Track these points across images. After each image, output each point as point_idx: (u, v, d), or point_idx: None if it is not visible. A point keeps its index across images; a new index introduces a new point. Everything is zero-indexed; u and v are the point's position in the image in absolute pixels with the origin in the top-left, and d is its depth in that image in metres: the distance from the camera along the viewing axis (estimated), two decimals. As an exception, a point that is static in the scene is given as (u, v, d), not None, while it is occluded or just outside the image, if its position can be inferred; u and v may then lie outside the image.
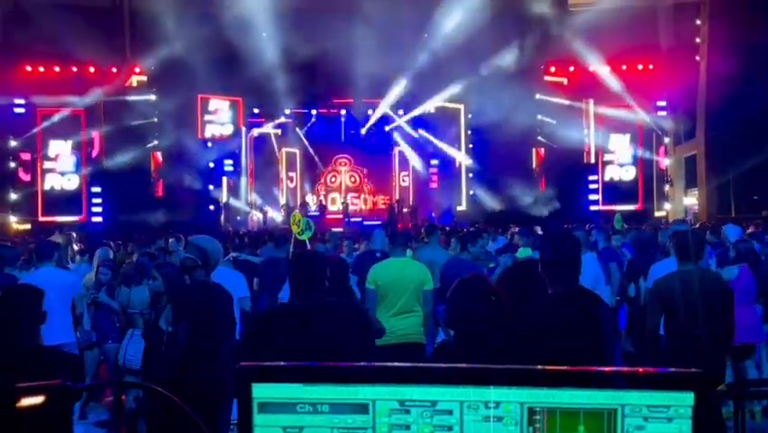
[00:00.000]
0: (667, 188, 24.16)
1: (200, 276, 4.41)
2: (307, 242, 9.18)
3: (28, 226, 20.98)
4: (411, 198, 24.50)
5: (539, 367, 1.16)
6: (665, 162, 24.12)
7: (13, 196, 21.69)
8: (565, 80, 23.20)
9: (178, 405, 1.37)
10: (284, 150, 24.72)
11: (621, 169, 23.65)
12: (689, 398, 1.12)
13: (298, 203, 23.25)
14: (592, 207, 22.34)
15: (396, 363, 1.19)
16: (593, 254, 7.40)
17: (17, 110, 21.27)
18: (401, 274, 5.82)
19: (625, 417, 1.14)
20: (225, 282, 6.46)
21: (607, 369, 1.15)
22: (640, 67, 22.93)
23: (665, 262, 6.28)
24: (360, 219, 22.55)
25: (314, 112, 24.10)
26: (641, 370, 1.13)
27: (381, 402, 1.20)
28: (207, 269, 4.43)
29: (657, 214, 23.36)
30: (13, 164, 21.72)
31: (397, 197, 24.44)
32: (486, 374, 1.18)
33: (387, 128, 24.59)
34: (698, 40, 22.94)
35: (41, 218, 21.44)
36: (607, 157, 23.61)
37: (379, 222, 20.25)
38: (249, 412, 1.22)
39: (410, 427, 1.19)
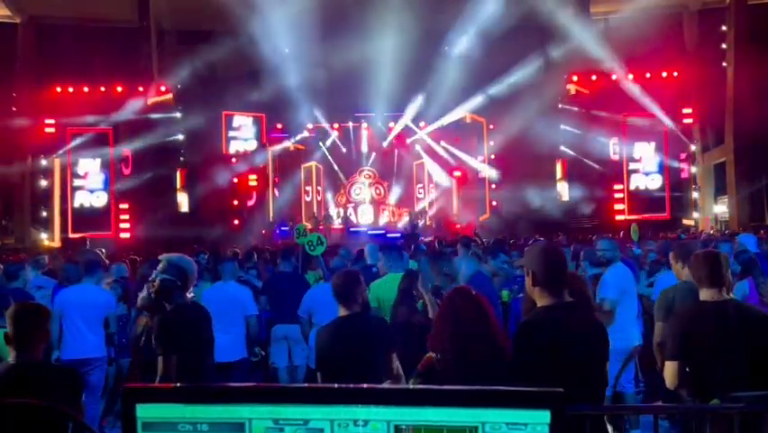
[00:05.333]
0: (695, 196, 23.75)
1: (179, 298, 4.22)
2: (319, 257, 9.21)
3: (58, 243, 21.50)
4: (434, 210, 24.49)
5: (404, 386, 1.19)
6: (693, 170, 23.72)
7: (44, 213, 22.28)
8: (588, 89, 22.99)
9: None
10: (307, 164, 24.95)
11: (647, 177, 23.26)
12: (545, 416, 1.14)
13: (321, 216, 23.41)
14: (618, 217, 22.04)
15: (270, 384, 1.23)
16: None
17: (48, 129, 21.85)
18: None
19: (485, 434, 1.17)
20: (234, 298, 6.55)
21: (467, 388, 1.17)
22: (664, 74, 22.62)
23: (671, 273, 6.19)
24: (383, 231, 22.58)
25: (336, 126, 24.29)
26: (501, 388, 1.15)
27: (257, 421, 1.24)
28: (185, 290, 4.26)
29: (685, 223, 22.96)
30: (43, 182, 22.32)
31: (419, 209, 24.46)
32: (355, 393, 1.21)
33: (408, 141, 24.66)
34: (724, 45, 22.62)
35: (71, 235, 21.93)
36: (632, 166, 23.26)
37: (400, 234, 20.27)
38: (133, 432, 1.26)
39: (284, 444, 1.23)
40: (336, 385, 1.21)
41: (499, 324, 3.61)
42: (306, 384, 1.19)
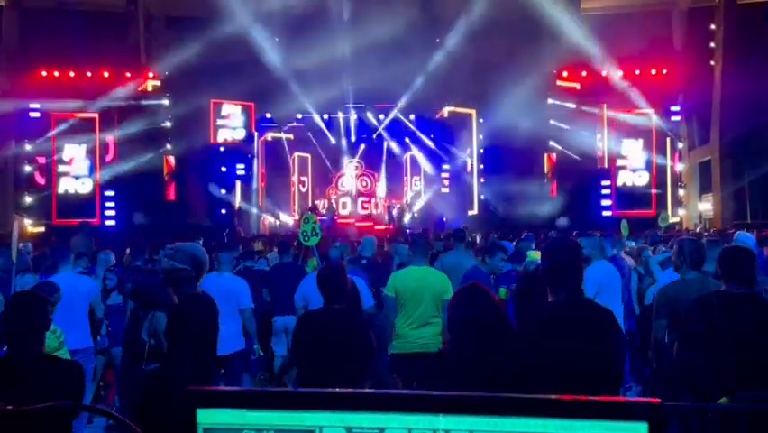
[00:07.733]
0: (681, 193, 23.90)
1: (193, 288, 4.02)
2: (314, 248, 9.17)
3: (42, 230, 21.19)
4: (422, 203, 24.47)
5: (488, 394, 1.12)
6: (679, 167, 23.87)
7: (28, 199, 21.92)
8: (578, 85, 23.02)
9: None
10: (296, 154, 24.81)
11: (634, 174, 23.38)
12: (642, 428, 1.08)
13: (308, 207, 23.33)
14: (604, 213, 22.13)
15: (343, 390, 1.16)
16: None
17: (32, 114, 21.48)
18: (421, 283, 5.81)
19: (576, 447, 1.10)
20: (230, 290, 6.43)
21: (557, 397, 1.11)
22: (653, 71, 22.71)
23: (671, 270, 6.16)
24: (370, 224, 22.54)
25: (325, 116, 24.14)
26: (593, 399, 1.09)
27: (328, 429, 1.17)
28: (199, 279, 4.08)
29: (671, 220, 23.10)
30: (28, 168, 21.96)
31: (406, 201, 24.45)
32: (434, 401, 1.14)
33: (398, 133, 24.60)
34: (712, 44, 22.74)
35: (56, 222, 21.61)
36: (619, 162, 23.34)
37: (385, 227, 20.24)
38: (194, 438, 1.19)
39: (357, 454, 1.16)
40: (416, 392, 1.15)
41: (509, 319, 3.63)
42: (381, 390, 1.11)
